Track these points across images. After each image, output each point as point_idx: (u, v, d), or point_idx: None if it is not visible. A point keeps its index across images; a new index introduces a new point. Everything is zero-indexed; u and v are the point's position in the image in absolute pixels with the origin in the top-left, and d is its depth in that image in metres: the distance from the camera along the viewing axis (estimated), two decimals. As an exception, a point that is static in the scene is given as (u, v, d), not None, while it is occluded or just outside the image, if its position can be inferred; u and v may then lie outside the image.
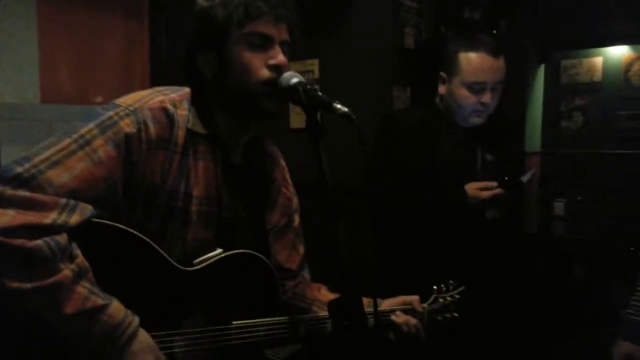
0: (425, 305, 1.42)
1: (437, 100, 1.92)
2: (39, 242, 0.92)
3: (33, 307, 0.94)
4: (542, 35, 4.00)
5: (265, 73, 1.13)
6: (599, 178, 4.03)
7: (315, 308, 1.36)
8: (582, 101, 4.24)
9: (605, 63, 4.13)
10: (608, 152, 4.07)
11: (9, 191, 0.92)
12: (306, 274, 1.43)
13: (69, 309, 0.94)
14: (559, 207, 4.09)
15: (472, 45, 1.78)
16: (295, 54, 1.24)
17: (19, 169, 0.94)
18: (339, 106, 1.03)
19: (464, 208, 1.77)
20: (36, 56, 2.27)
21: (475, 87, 1.76)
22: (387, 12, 2.69)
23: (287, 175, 1.41)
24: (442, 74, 1.85)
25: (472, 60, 1.77)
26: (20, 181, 0.94)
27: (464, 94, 1.78)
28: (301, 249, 1.41)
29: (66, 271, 0.94)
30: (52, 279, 0.92)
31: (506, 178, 1.77)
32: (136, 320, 1.02)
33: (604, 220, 3.97)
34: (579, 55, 4.21)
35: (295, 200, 1.41)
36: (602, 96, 4.15)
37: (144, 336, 1.04)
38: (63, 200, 0.96)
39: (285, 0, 1.14)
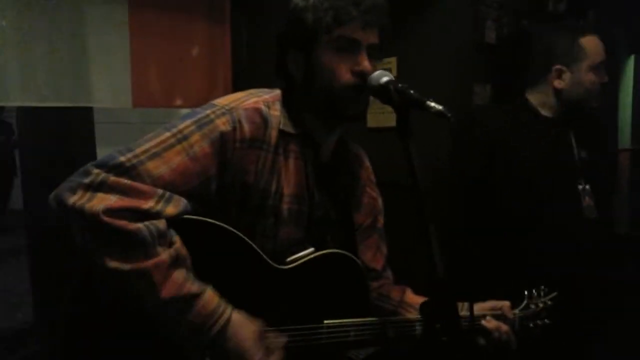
0: (516, 311, 1.39)
1: (530, 94, 1.86)
2: (139, 225, 0.97)
3: (130, 287, 0.98)
4: (631, 25, 3.76)
5: (349, 78, 1.14)
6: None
7: (401, 310, 1.37)
8: (677, 94, 3.95)
9: (702, 52, 3.83)
10: None
11: (112, 177, 0.98)
12: (390, 275, 1.43)
13: (164, 293, 0.98)
14: (650, 206, 3.83)
15: (585, 29, 1.82)
16: (382, 53, 1.25)
17: (122, 158, 1.00)
18: (432, 104, 1.02)
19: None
20: (128, 62, 2.39)
21: (600, 68, 1.78)
22: (467, 6, 2.62)
23: (372, 176, 1.42)
24: (559, 66, 1.81)
25: (594, 42, 1.79)
26: (122, 169, 0.99)
27: (592, 78, 1.79)
28: (385, 250, 1.41)
29: (164, 255, 0.98)
30: (150, 262, 0.97)
31: None
32: (229, 309, 1.04)
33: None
34: (673, 44, 3.93)
35: (379, 201, 1.42)
36: (698, 88, 3.85)
37: (238, 322, 1.05)
38: (160, 191, 1.01)
39: (377, 4, 1.14)
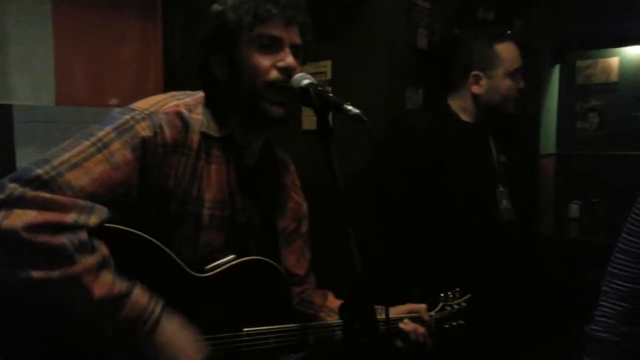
0: (432, 313, 1.43)
1: (452, 100, 1.91)
2: (63, 239, 0.93)
3: (59, 295, 0.95)
4: (557, 35, 3.95)
5: (273, 74, 1.14)
6: (614, 180, 3.97)
7: (322, 314, 1.37)
8: (598, 102, 4.18)
9: (621, 63, 4.07)
10: (624, 154, 4.01)
11: (30, 192, 0.93)
12: (313, 280, 1.44)
13: (96, 292, 0.95)
14: (574, 209, 4.03)
15: (502, 36, 1.87)
16: (307, 56, 1.25)
17: (39, 171, 0.96)
18: (350, 107, 1.03)
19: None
20: (51, 58, 2.29)
21: (516, 74, 1.83)
22: (400, 13, 2.67)
23: (297, 181, 1.42)
24: (477, 72, 1.86)
25: (510, 49, 1.85)
26: (40, 183, 0.95)
27: (508, 83, 1.84)
28: (308, 255, 1.42)
29: (90, 260, 0.96)
30: (78, 267, 0.94)
31: None
32: (160, 303, 1.03)
33: (620, 222, 3.90)
34: (595, 55, 4.16)
35: (304, 206, 1.42)
36: (618, 97, 4.08)
37: (170, 317, 1.04)
38: (81, 202, 0.98)
39: (296, 2, 1.15)
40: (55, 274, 0.92)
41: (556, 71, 4.31)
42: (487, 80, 1.85)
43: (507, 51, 1.84)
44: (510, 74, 1.83)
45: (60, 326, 0.99)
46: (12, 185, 0.94)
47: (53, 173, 0.96)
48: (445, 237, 1.79)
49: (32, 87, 2.26)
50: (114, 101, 2.52)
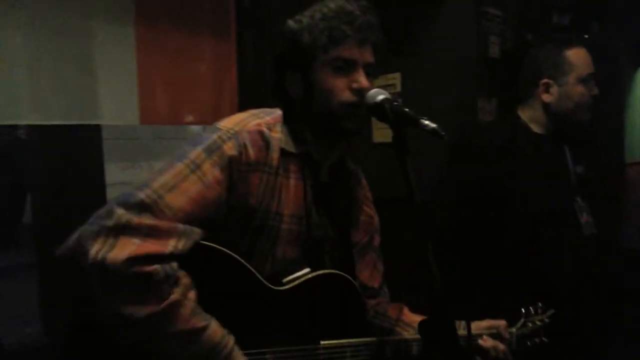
0: (513, 329, 1.39)
1: (523, 111, 1.85)
2: (157, 267, 0.99)
3: (143, 330, 1.01)
4: (637, 37, 3.75)
5: (348, 96, 1.16)
6: None
7: (398, 329, 1.37)
8: (686, 105, 3.90)
9: None
10: None
11: (135, 219, 1.00)
12: (386, 293, 1.44)
13: (171, 329, 1.00)
14: (663, 220, 3.77)
15: (572, 42, 1.80)
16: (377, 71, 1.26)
17: (142, 195, 1.03)
18: (427, 122, 1.03)
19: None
20: (135, 79, 2.42)
21: (589, 80, 1.77)
22: (470, 21, 2.63)
23: (369, 194, 1.43)
24: (546, 80, 1.80)
25: (581, 54, 1.78)
26: (144, 207, 1.02)
27: (580, 90, 1.77)
28: (381, 268, 1.42)
29: (175, 294, 1.00)
30: (163, 305, 0.99)
31: None
32: (232, 341, 1.07)
33: None
34: (681, 56, 3.90)
35: (376, 219, 1.42)
36: None
37: (239, 357, 1.07)
38: (181, 227, 1.03)
39: (370, 22, 1.17)
40: (142, 313, 0.98)
41: (638, 75, 4.07)
42: (558, 88, 1.78)
43: (578, 57, 1.78)
44: (583, 80, 1.76)
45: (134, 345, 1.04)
46: (119, 211, 1.00)
47: (154, 197, 1.03)
48: (525, 254, 1.73)
49: (117, 107, 2.40)
50: (190, 119, 2.62)
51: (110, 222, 1.00)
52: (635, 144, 4.00)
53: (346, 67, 1.17)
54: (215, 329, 1.05)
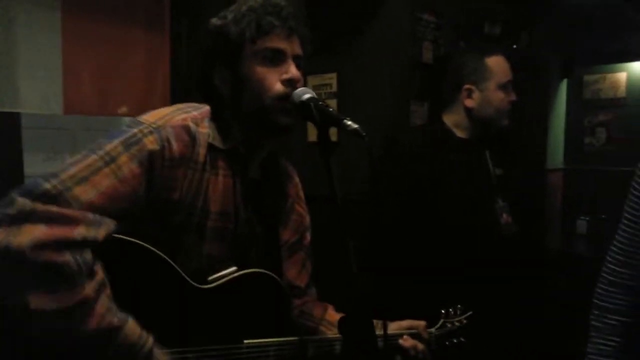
0: (433, 330, 1.42)
1: (445, 116, 1.91)
2: (67, 256, 0.93)
3: (52, 327, 0.94)
4: (564, 50, 3.95)
5: (279, 88, 1.15)
6: (623, 196, 3.93)
7: (322, 328, 1.37)
8: (606, 117, 4.16)
9: (629, 78, 4.05)
10: (632, 169, 3.97)
11: (40, 207, 0.94)
12: (313, 292, 1.43)
13: (87, 327, 0.94)
14: (581, 225, 4.00)
15: (492, 49, 1.89)
16: (313, 68, 1.26)
17: (48, 185, 0.96)
18: (349, 122, 1.04)
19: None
20: (60, 67, 2.31)
21: (507, 87, 1.84)
22: (405, 26, 2.69)
23: (301, 193, 1.42)
24: (468, 86, 1.86)
25: (500, 62, 1.86)
26: (49, 197, 0.95)
27: (500, 96, 1.84)
28: (310, 267, 1.41)
29: (88, 289, 0.95)
30: (76, 298, 0.93)
31: None
32: (150, 340, 1.02)
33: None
34: (602, 70, 4.14)
35: (307, 218, 1.42)
36: (626, 112, 4.06)
37: (159, 355, 1.03)
38: (90, 216, 0.97)
39: (297, 13, 1.16)
40: (53, 305, 0.91)
41: (564, 86, 4.30)
42: (480, 94, 1.86)
43: (497, 64, 1.86)
44: (502, 87, 1.84)
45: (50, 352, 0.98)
46: (21, 200, 0.94)
47: (61, 187, 0.97)
48: (445, 253, 1.78)
49: (40, 95, 2.28)
50: (123, 110, 2.53)
51: (12, 211, 0.93)
52: (557, 152, 4.24)
53: (275, 58, 1.15)
54: (132, 327, 1.00)
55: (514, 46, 3.08)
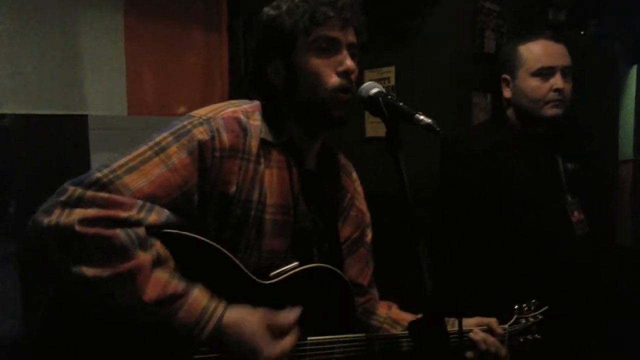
0: (506, 326, 1.36)
1: (507, 110, 1.83)
2: (117, 230, 0.94)
3: (112, 295, 0.95)
4: (633, 35, 3.74)
5: (335, 80, 1.13)
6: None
7: (386, 326, 1.34)
8: (680, 104, 3.91)
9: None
10: None
11: (89, 193, 0.96)
12: (375, 290, 1.40)
13: (148, 294, 0.94)
14: (653, 219, 3.78)
15: (530, 36, 1.74)
16: (370, 62, 1.22)
17: (98, 174, 0.98)
18: (421, 117, 1.00)
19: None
20: (123, 69, 2.37)
21: (544, 73, 1.69)
22: (467, 16, 2.61)
23: (360, 188, 1.39)
24: (505, 76, 1.78)
25: (533, 48, 1.72)
26: (100, 185, 0.97)
27: (533, 84, 1.70)
28: (372, 265, 1.39)
29: (143, 257, 0.95)
30: (130, 264, 0.93)
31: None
32: (222, 306, 1.00)
33: None
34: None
35: (367, 215, 1.39)
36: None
37: (235, 317, 1.01)
38: (140, 202, 0.99)
39: (352, 3, 1.13)
40: (107, 272, 0.92)
41: (633, 72, 4.07)
42: (513, 83, 1.76)
43: (529, 51, 1.72)
44: (535, 74, 1.70)
45: (121, 323, 0.99)
46: (72, 188, 0.96)
47: (111, 176, 0.98)
48: (514, 253, 1.70)
49: (105, 97, 2.35)
50: (181, 110, 2.57)
51: (63, 197, 0.95)
52: (628, 142, 4.01)
53: (329, 48, 1.13)
54: (200, 293, 0.98)
55: (581, 33, 2.94)
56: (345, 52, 1.13)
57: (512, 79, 1.76)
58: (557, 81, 1.68)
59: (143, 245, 0.96)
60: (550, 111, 1.70)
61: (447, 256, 1.69)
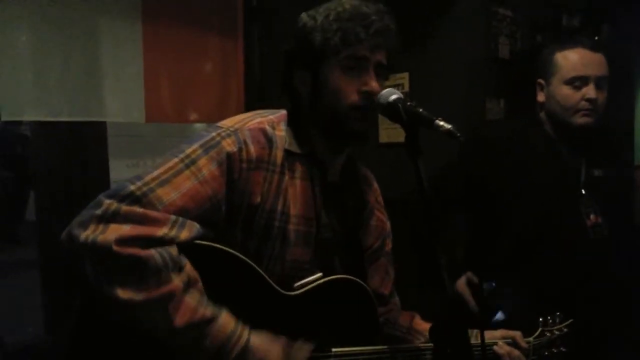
0: (531, 339, 1.35)
1: (539, 112, 1.84)
2: (152, 251, 0.97)
3: (143, 317, 0.98)
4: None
5: (355, 99, 1.14)
6: None
7: (409, 337, 1.35)
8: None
9: None
10: None
11: (124, 207, 0.98)
12: (397, 300, 1.41)
13: (178, 320, 0.97)
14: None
15: (568, 43, 1.75)
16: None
17: (132, 187, 1.01)
18: (441, 123, 1.01)
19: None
20: (141, 76, 2.40)
21: (577, 83, 1.70)
22: (480, 22, 2.62)
23: (380, 199, 1.41)
24: (540, 80, 1.79)
25: (569, 56, 1.72)
26: (134, 198, 1.00)
27: (565, 92, 1.71)
28: (392, 274, 1.40)
29: (176, 281, 0.98)
30: (163, 290, 0.96)
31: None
32: (246, 332, 1.04)
33: None
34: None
35: (388, 224, 1.40)
36: None
37: (259, 343, 1.05)
38: (173, 217, 1.01)
39: (385, 27, 1.14)
40: (140, 296, 0.95)
41: (648, 77, 4.04)
42: (547, 88, 1.77)
43: (565, 58, 1.73)
44: (568, 82, 1.71)
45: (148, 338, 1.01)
46: (108, 201, 0.99)
47: (145, 189, 1.01)
48: (535, 259, 1.70)
49: (123, 105, 2.37)
50: (194, 116, 2.60)
51: (99, 211, 0.98)
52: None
53: (357, 67, 1.14)
54: (226, 319, 1.02)
55: (595, 38, 2.93)
56: (372, 72, 1.14)
57: (546, 84, 1.78)
58: (589, 91, 1.69)
59: (175, 268, 0.99)
60: (580, 120, 1.72)
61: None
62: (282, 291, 1.12)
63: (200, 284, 1.02)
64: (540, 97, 1.80)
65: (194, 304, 0.99)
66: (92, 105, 2.30)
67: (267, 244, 1.14)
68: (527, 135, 1.80)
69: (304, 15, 1.19)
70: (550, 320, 1.41)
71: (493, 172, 1.75)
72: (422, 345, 1.27)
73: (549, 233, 1.70)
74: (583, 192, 1.76)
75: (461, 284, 1.65)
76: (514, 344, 1.31)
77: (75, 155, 2.55)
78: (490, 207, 1.77)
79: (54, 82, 2.17)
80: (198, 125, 2.62)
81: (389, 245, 1.40)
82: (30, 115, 2.21)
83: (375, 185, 1.41)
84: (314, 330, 1.15)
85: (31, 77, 2.12)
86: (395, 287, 1.41)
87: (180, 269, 1.00)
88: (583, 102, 1.69)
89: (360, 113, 1.14)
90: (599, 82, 1.70)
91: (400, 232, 1.60)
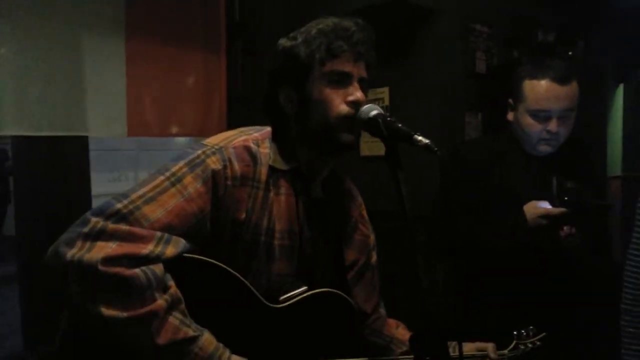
0: (505, 352, 1.38)
1: (510, 127, 1.88)
2: (136, 270, 0.98)
3: (127, 335, 0.99)
4: (619, 54, 3.84)
5: (344, 108, 1.17)
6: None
7: (393, 346, 1.37)
8: (666, 121, 4.00)
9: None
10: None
11: (111, 225, 1.00)
12: (382, 309, 1.43)
13: (161, 339, 0.99)
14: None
15: (538, 72, 1.73)
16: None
17: (119, 205, 1.02)
18: (420, 138, 1.03)
19: (524, 230, 1.70)
20: (124, 91, 2.41)
21: (540, 115, 1.72)
22: (457, 38, 2.68)
23: (364, 212, 1.42)
24: (510, 100, 1.83)
25: (535, 88, 1.72)
26: (120, 216, 1.01)
27: (528, 121, 1.74)
28: (378, 285, 1.41)
29: (160, 301, 0.99)
30: (147, 308, 0.98)
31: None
32: (227, 353, 1.05)
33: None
34: (661, 73, 4.00)
35: (372, 238, 1.42)
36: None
37: None
38: (159, 234, 1.03)
39: (366, 39, 1.18)
40: (124, 314, 0.96)
41: (620, 91, 4.17)
42: (515, 112, 1.80)
43: (531, 90, 1.73)
44: (532, 114, 1.73)
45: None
46: (94, 219, 1.00)
47: (131, 207, 1.03)
48: (505, 269, 1.73)
49: (106, 119, 2.38)
50: (174, 130, 2.61)
51: (85, 229, 0.99)
52: (616, 159, 4.09)
53: (342, 81, 1.17)
54: (208, 340, 1.03)
55: (569, 53, 3.02)
56: (356, 85, 1.18)
57: (514, 107, 1.81)
58: (551, 125, 1.70)
59: (160, 287, 1.00)
60: (541, 147, 1.75)
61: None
62: (269, 304, 1.14)
63: (183, 305, 1.03)
64: (510, 116, 1.83)
65: (177, 323, 1.01)
66: (74, 120, 2.30)
67: (253, 259, 1.16)
68: (505, 154, 1.83)
69: (283, 39, 1.22)
70: (524, 334, 1.43)
71: (473, 193, 1.78)
72: (402, 356, 1.30)
73: (523, 245, 1.73)
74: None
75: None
76: (486, 357, 1.33)
77: (57, 170, 2.53)
78: (472, 224, 1.79)
79: (36, 96, 2.17)
80: (178, 139, 2.63)
81: (374, 258, 1.41)
82: (10, 129, 2.20)
83: (360, 199, 1.43)
84: (298, 343, 1.16)
85: (11, 90, 2.11)
86: (381, 298, 1.43)
87: (164, 289, 1.01)
88: (544, 133, 1.72)
89: (350, 122, 1.17)
90: (563, 116, 1.72)
91: (384, 243, 1.63)
